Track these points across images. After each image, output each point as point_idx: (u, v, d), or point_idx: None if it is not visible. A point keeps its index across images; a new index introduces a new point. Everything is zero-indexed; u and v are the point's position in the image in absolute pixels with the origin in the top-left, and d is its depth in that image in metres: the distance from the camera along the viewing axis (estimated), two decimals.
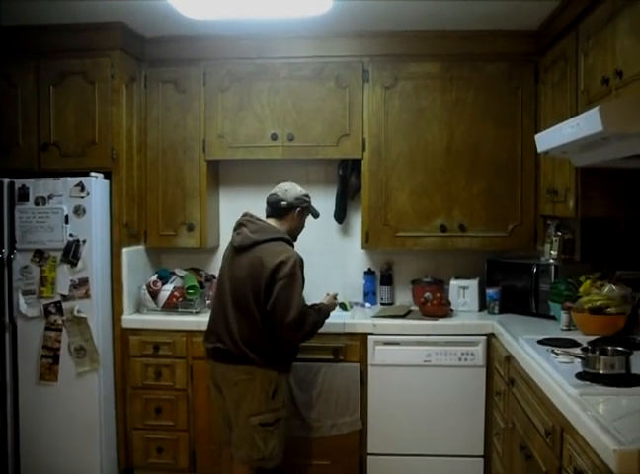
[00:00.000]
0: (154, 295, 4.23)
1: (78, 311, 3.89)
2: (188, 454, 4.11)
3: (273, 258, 3.26)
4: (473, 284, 4.25)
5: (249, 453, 3.33)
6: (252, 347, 3.28)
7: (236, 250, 3.42)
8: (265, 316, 3.26)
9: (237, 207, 4.58)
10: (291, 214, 3.52)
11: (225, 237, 4.63)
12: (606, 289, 3.39)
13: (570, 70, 3.49)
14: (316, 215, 3.69)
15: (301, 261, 3.35)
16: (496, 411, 3.73)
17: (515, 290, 4.13)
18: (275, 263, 3.24)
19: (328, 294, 3.72)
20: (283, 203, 3.49)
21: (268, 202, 3.55)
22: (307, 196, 3.59)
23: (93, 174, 3.91)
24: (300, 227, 3.62)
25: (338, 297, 3.78)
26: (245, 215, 3.55)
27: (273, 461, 3.38)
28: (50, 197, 3.89)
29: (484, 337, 3.89)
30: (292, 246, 3.44)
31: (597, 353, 2.55)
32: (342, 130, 4.21)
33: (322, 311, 3.50)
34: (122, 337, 4.11)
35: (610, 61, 2.91)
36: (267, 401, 3.30)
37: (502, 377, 3.55)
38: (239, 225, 3.51)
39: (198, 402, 4.08)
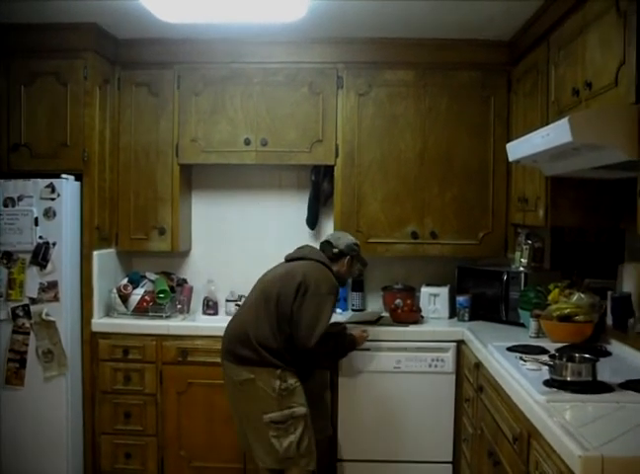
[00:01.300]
0: (125, 299, 4.20)
1: (47, 314, 3.85)
2: (157, 460, 4.08)
3: (313, 273, 3.44)
4: (444, 291, 4.27)
5: (264, 454, 3.35)
6: (264, 346, 3.33)
7: (285, 261, 3.65)
8: (282, 320, 3.35)
9: (209, 212, 4.65)
10: (342, 261, 3.66)
11: (197, 241, 4.64)
12: (575, 297, 3.43)
13: (541, 80, 3.53)
14: (364, 264, 3.82)
15: (337, 289, 3.53)
16: (465, 417, 3.75)
17: (485, 298, 4.16)
18: (314, 277, 3.40)
19: (364, 331, 3.78)
20: (335, 250, 3.64)
21: (321, 249, 3.70)
22: (357, 245, 3.74)
23: (64, 176, 3.87)
24: (348, 274, 3.77)
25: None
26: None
27: (297, 463, 3.33)
28: (20, 198, 3.84)
29: (454, 344, 3.91)
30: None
31: (564, 360, 2.57)
32: (315, 136, 4.22)
33: (347, 343, 3.62)
34: (92, 341, 4.07)
35: (580, 73, 2.95)
36: (275, 398, 3.31)
37: (471, 384, 3.57)
38: (297, 249, 3.73)
39: (167, 407, 4.05)
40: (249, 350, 3.34)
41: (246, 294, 4.35)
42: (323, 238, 3.82)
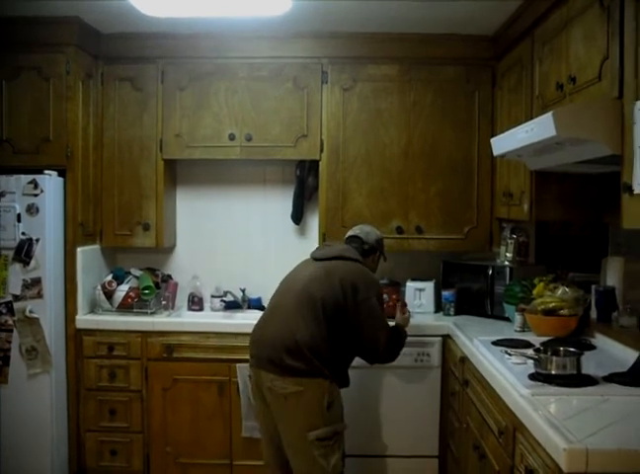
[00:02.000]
0: (109, 295, 4.18)
1: (30, 311, 3.82)
2: (142, 457, 4.06)
3: (359, 276, 3.25)
4: (429, 286, 4.28)
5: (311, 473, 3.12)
6: (316, 354, 3.07)
7: (315, 260, 3.39)
8: (331, 325, 3.15)
9: (194, 207, 4.63)
10: (372, 256, 3.54)
11: (182, 237, 4.62)
12: (559, 291, 3.44)
13: (526, 75, 3.54)
14: (385, 259, 3.68)
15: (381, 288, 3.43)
16: (451, 411, 3.77)
17: (470, 292, 4.18)
18: (361, 281, 3.22)
19: (404, 311, 3.60)
20: (366, 246, 3.50)
21: (348, 243, 3.51)
22: (383, 239, 3.63)
23: (47, 172, 3.84)
24: (374, 270, 3.56)
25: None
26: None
27: None
28: (2, 194, 3.81)
29: (440, 338, 3.93)
30: None
31: (549, 354, 2.58)
32: (300, 131, 4.21)
33: (402, 334, 3.45)
34: (76, 337, 4.04)
35: (564, 67, 2.95)
36: (322, 414, 3.08)
37: (457, 378, 3.58)
38: (323, 246, 3.57)
39: (152, 403, 4.04)
40: (299, 359, 3.05)
41: (231, 290, 4.42)
42: (348, 232, 3.60)
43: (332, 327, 3.15)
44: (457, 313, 4.17)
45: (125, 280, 4.27)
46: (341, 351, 3.21)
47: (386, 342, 3.25)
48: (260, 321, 3.34)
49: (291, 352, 3.07)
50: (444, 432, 3.93)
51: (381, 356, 3.31)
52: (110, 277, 4.25)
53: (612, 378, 2.50)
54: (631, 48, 2.30)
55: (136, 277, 4.31)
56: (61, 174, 3.95)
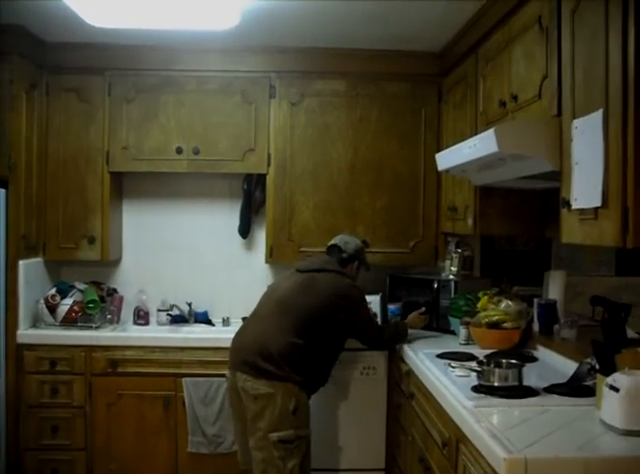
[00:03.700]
0: (52, 309, 4.10)
1: None
2: None
3: (341, 287, 3.42)
4: (375, 300, 4.28)
5: (266, 472, 3.21)
6: (286, 359, 3.22)
7: (298, 272, 3.53)
8: (313, 335, 3.30)
9: (141, 220, 4.58)
10: (351, 265, 3.64)
11: (128, 250, 4.57)
12: (503, 305, 3.49)
13: (470, 92, 3.61)
14: (368, 268, 3.78)
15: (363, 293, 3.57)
16: (397, 424, 3.78)
17: (416, 306, 4.20)
18: (343, 291, 3.41)
19: (422, 314, 3.89)
20: (344, 255, 3.61)
21: (328, 253, 3.66)
22: (363, 248, 3.77)
23: None
24: (355, 278, 3.69)
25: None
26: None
27: None
28: None
29: (386, 351, 3.95)
30: None
31: (491, 366, 2.62)
32: (247, 145, 4.21)
33: (399, 328, 3.70)
34: (17, 353, 3.94)
35: (507, 85, 3.03)
36: (288, 417, 3.20)
37: (402, 391, 3.61)
38: (305, 258, 3.82)
39: (96, 419, 3.96)
40: (271, 363, 3.21)
41: (177, 303, 4.38)
42: (330, 242, 3.74)
43: (311, 336, 3.29)
44: None
45: (70, 294, 4.19)
46: (319, 358, 3.37)
47: (382, 341, 3.61)
48: (240, 328, 3.50)
49: (264, 356, 3.22)
50: (391, 445, 3.94)
51: (380, 347, 3.77)
52: (53, 291, 4.17)
53: (552, 389, 2.55)
54: (568, 68, 2.37)
55: (81, 291, 4.23)
56: (3, 185, 3.85)
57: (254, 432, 3.25)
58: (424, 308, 3.92)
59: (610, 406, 2.09)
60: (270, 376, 3.20)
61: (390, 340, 3.67)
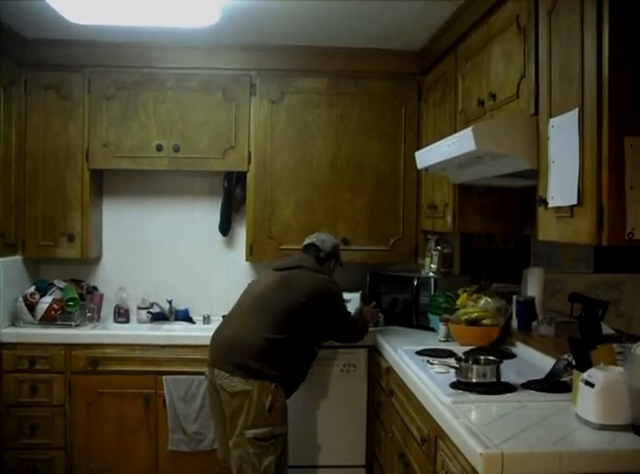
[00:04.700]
0: (31, 308, 4.07)
1: None
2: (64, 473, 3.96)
3: (318, 283, 3.45)
4: (355, 297, 4.30)
5: (242, 469, 3.23)
6: (263, 356, 3.23)
7: (275, 270, 3.55)
8: (291, 331, 3.31)
9: (121, 218, 4.57)
10: (327, 263, 3.69)
11: (108, 248, 4.55)
12: (482, 302, 3.53)
13: (449, 90, 3.64)
14: (341, 264, 3.82)
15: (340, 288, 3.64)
16: (377, 421, 3.81)
17: (396, 303, 4.23)
18: (321, 287, 3.44)
19: (374, 307, 3.98)
20: (322, 254, 3.65)
21: (305, 252, 3.69)
22: (339, 245, 3.82)
23: None
24: (331, 275, 3.72)
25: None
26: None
27: None
28: None
29: (365, 349, 3.97)
30: None
31: (470, 362, 2.63)
32: (228, 143, 4.21)
33: (365, 321, 3.82)
34: None
35: (485, 84, 3.06)
36: (264, 414, 3.20)
37: (382, 388, 3.63)
38: (284, 257, 3.79)
39: (76, 418, 3.95)
40: (247, 360, 3.22)
41: (158, 301, 4.37)
42: (306, 240, 3.76)
43: (288, 332, 3.30)
44: (384, 324, 4.20)
45: (49, 292, 4.16)
46: (297, 354, 3.38)
47: (354, 334, 3.70)
48: (219, 326, 3.51)
49: (241, 353, 3.24)
50: (371, 441, 3.97)
51: (352, 340, 3.75)
52: (32, 289, 4.14)
53: (530, 385, 2.58)
54: (545, 68, 2.40)
55: (60, 289, 4.21)
56: None
57: (232, 429, 3.26)
58: (374, 302, 4.02)
59: (586, 401, 2.12)
60: (246, 374, 3.21)
61: (359, 333, 3.74)
